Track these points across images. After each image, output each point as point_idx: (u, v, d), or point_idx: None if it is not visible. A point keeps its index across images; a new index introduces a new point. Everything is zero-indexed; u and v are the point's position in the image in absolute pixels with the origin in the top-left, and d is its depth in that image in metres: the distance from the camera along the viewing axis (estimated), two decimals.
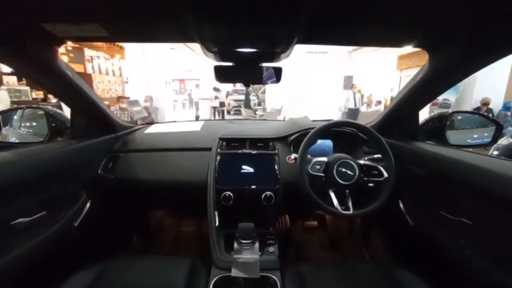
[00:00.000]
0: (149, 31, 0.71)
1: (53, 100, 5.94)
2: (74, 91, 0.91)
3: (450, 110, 1.11)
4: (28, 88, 6.59)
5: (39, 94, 6.73)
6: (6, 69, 6.74)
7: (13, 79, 6.59)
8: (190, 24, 0.61)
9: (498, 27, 0.59)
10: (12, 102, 5.49)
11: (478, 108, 5.39)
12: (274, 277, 0.82)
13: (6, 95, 5.27)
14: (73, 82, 0.88)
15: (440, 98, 5.90)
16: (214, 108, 9.31)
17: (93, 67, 8.47)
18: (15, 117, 1.25)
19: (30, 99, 6.47)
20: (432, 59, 0.81)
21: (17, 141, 1.16)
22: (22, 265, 0.77)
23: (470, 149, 0.99)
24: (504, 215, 0.65)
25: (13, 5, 0.53)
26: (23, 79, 6.74)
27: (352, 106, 7.12)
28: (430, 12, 0.58)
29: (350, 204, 0.90)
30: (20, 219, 0.76)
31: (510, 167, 0.68)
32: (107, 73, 9.02)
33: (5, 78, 6.33)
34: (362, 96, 7.62)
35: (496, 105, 5.42)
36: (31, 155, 0.81)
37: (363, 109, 7.44)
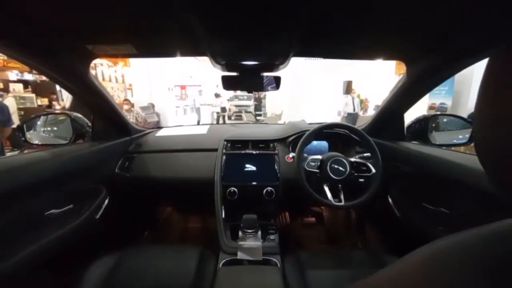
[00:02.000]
0: (169, 48, 0.84)
1: (57, 106, 6.08)
2: (98, 98, 1.04)
3: (432, 113, 1.22)
4: (33, 95, 6.74)
5: (44, 101, 6.88)
6: (13, 76, 6.93)
7: (20, 86, 6.75)
8: (203, 41, 0.74)
9: (460, 40, 0.71)
10: (19, 109, 5.65)
11: (472, 114, 5.46)
12: (275, 260, 0.93)
13: (14, 101, 5.44)
14: (99, 90, 1.00)
15: (437, 102, 6.02)
16: (217, 113, 9.45)
17: (96, 74, 8.65)
18: (38, 122, 1.37)
19: (35, 106, 6.61)
20: (409, 69, 0.93)
21: (40, 143, 1.27)
22: (53, 251, 0.87)
23: (452, 148, 1.10)
24: (475, 203, 0.74)
25: (63, 27, 0.66)
26: (29, 86, 6.91)
27: (351, 110, 7.23)
28: (406, 30, 0.70)
29: (342, 196, 1.01)
30: (53, 210, 0.87)
31: (477, 160, 0.78)
32: (110, 80, 9.20)
33: (11, 86, 6.50)
34: (361, 101, 7.75)
35: None
36: (62, 155, 0.92)
37: (360, 113, 7.54)
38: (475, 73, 5.42)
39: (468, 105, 5.89)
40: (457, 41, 0.71)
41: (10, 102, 5.42)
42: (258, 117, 8.58)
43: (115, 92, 9.21)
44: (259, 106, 8.97)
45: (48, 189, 0.85)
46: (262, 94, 10.92)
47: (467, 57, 0.77)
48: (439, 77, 0.91)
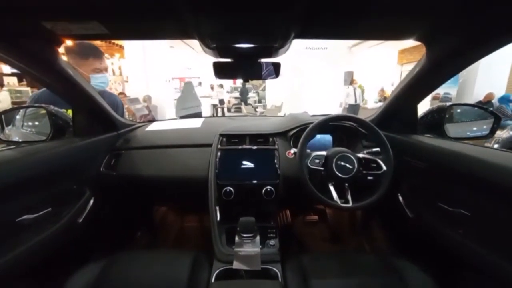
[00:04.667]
0: (148, 28, 0.71)
1: None
2: (75, 89, 0.93)
3: (448, 103, 1.11)
4: (28, 88, 6.61)
5: None
6: (6, 69, 6.78)
7: (14, 80, 6.62)
8: (188, 20, 0.62)
9: (490, 17, 0.60)
10: (13, 103, 5.54)
11: (479, 103, 5.36)
12: (275, 269, 0.83)
13: (8, 95, 5.33)
14: (74, 80, 0.89)
15: (441, 92, 5.87)
16: (214, 106, 9.31)
17: None
18: (17, 116, 1.26)
19: None
20: (429, 51, 0.81)
21: (20, 140, 1.17)
22: (29, 261, 0.79)
23: (469, 142, 1.00)
24: (502, 204, 0.66)
25: (13, 4, 0.54)
26: (24, 80, 6.77)
27: (352, 101, 7.11)
28: (425, 4, 0.59)
29: (349, 197, 0.91)
30: (25, 216, 0.77)
31: (507, 157, 0.69)
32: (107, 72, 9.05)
33: (6, 79, 6.36)
34: (362, 91, 7.60)
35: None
36: (35, 153, 0.82)
37: (371, 105, 7.38)
38: (481, 61, 5.26)
39: (474, 95, 5.76)
40: (486, 17, 0.60)
41: (4, 96, 5.31)
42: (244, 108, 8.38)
43: (112, 85, 9.08)
44: (244, 97, 8.71)
45: (20, 192, 0.76)
46: (260, 86, 10.74)
47: (498, 36, 0.66)
48: (465, 60, 0.79)
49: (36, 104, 1.21)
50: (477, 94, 5.60)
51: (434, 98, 5.88)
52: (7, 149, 0.80)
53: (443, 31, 0.72)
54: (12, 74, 6.72)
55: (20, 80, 6.74)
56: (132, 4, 0.55)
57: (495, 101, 5.27)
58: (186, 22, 0.63)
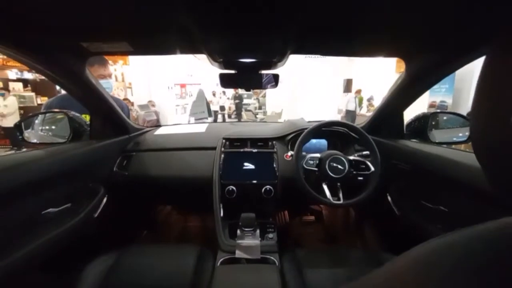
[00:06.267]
0: (165, 46, 0.83)
1: None
2: (95, 96, 1.04)
3: (432, 111, 1.21)
4: (33, 94, 6.74)
5: (44, 100, 6.88)
6: (12, 76, 6.93)
7: (19, 85, 6.75)
8: (200, 39, 0.73)
9: (458, 39, 0.71)
10: (18, 108, 5.65)
11: None
12: (273, 258, 0.92)
13: (15, 101, 5.46)
14: (96, 89, 1.00)
15: (437, 100, 6.00)
16: (215, 112, 9.45)
17: None
18: (36, 121, 1.36)
19: (35, 104, 6.62)
20: (408, 66, 0.92)
21: (40, 142, 1.26)
22: (51, 250, 0.87)
23: (452, 146, 1.09)
24: (473, 201, 0.74)
25: (58, 26, 0.65)
26: (28, 85, 6.91)
27: (352, 108, 7.25)
28: (404, 26, 0.69)
29: (341, 195, 1.01)
30: (50, 209, 0.86)
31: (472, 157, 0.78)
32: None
33: (11, 85, 6.49)
34: (361, 99, 7.74)
35: None
36: (60, 153, 0.91)
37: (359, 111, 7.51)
38: (476, 71, 5.41)
39: (469, 103, 5.85)
40: (455, 38, 0.71)
41: (11, 101, 5.44)
42: (243, 115, 8.54)
43: (115, 91, 9.22)
44: (240, 104, 8.84)
45: (45, 188, 0.85)
46: (261, 93, 10.90)
47: (466, 54, 0.77)
48: (439, 74, 0.90)
49: (57, 110, 1.31)
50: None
51: (431, 106, 5.99)
52: (36, 150, 0.89)
53: (420, 50, 0.83)
54: (18, 80, 6.86)
55: (25, 86, 6.88)
56: (155, 27, 0.67)
57: None
58: (197, 40, 0.74)
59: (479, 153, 0.24)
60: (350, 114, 7.18)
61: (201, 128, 1.47)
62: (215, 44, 0.77)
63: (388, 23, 0.66)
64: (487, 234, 0.22)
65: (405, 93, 1.04)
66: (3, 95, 5.44)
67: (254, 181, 1.15)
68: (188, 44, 0.81)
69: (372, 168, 1.02)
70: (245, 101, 9.89)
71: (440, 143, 1.12)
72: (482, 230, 0.23)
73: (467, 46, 0.73)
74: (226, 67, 0.94)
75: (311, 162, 1.05)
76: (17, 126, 1.14)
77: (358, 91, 7.52)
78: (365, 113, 7.35)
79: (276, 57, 0.84)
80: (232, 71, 0.97)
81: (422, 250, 0.25)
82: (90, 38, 0.70)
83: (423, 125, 1.17)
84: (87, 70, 0.93)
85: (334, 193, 1.01)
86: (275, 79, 1.00)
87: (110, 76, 1.58)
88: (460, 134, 1.12)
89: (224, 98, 9.79)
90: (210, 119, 7.09)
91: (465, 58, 0.79)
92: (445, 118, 1.23)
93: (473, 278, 0.20)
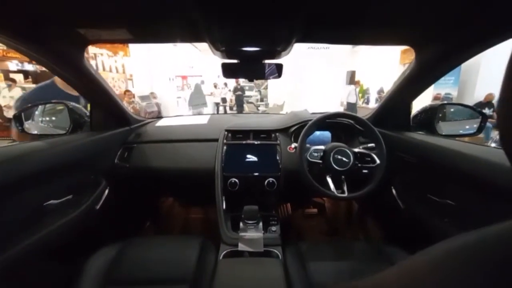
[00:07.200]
0: (166, 33, 0.80)
1: None
2: (95, 87, 1.01)
3: (439, 102, 1.18)
4: (34, 85, 6.70)
5: None
6: (12, 67, 6.89)
7: (20, 77, 6.71)
8: (202, 26, 0.70)
9: (472, 23, 0.67)
10: None
11: (480, 103, 5.35)
12: (276, 251, 0.92)
13: (20, 92, 5.46)
14: (95, 79, 0.97)
15: (442, 92, 5.91)
16: (217, 104, 9.39)
17: (96, 64, 8.58)
18: (36, 112, 1.35)
19: None
20: (418, 55, 0.89)
21: (40, 133, 1.25)
22: (54, 241, 0.87)
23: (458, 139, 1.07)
24: (483, 195, 0.72)
25: (53, 12, 0.62)
26: (29, 76, 6.87)
27: (353, 100, 7.17)
28: (415, 17, 0.66)
29: (345, 188, 0.99)
30: (51, 201, 0.86)
31: (487, 151, 0.76)
32: (110, 70, 9.12)
33: (12, 76, 6.46)
34: (364, 91, 7.66)
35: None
36: (61, 144, 0.90)
37: (372, 105, 7.44)
38: (482, 62, 5.30)
39: (475, 95, 5.79)
40: (468, 27, 0.68)
41: (17, 92, 5.44)
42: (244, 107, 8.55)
43: (115, 83, 9.17)
44: (241, 97, 8.75)
45: (47, 179, 0.84)
46: (263, 85, 10.79)
47: (478, 43, 0.74)
48: (450, 64, 0.87)
49: (55, 100, 1.29)
50: (477, 95, 5.64)
51: (436, 98, 5.91)
52: (36, 141, 0.88)
53: (431, 39, 0.80)
54: (18, 71, 6.82)
55: (26, 77, 6.85)
56: (158, 14, 0.64)
57: (495, 101, 5.28)
58: (199, 28, 0.71)
59: (508, 141, 0.22)
60: (350, 107, 7.10)
61: (203, 119, 1.45)
62: (218, 32, 0.74)
63: (400, 10, 0.63)
64: (505, 234, 0.21)
65: (413, 83, 1.01)
66: (10, 85, 5.44)
67: (257, 174, 1.13)
68: (190, 32, 0.78)
69: (378, 161, 1.00)
70: (246, 93, 9.79)
71: (448, 136, 1.09)
72: (500, 230, 0.22)
73: (480, 35, 0.70)
74: (228, 56, 0.91)
75: (315, 154, 1.03)
76: (17, 117, 1.13)
77: (357, 82, 7.42)
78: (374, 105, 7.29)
79: (280, 45, 0.81)
80: (235, 61, 0.94)
81: (438, 250, 0.25)
82: (88, 25, 0.67)
83: (430, 117, 1.14)
84: (85, 60, 0.90)
85: (338, 186, 1.00)
86: (279, 69, 0.97)
87: None
88: (469, 126, 1.10)
89: (226, 90, 9.70)
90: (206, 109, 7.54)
91: (477, 48, 0.75)
92: (453, 110, 1.20)
93: (491, 280, 0.19)
